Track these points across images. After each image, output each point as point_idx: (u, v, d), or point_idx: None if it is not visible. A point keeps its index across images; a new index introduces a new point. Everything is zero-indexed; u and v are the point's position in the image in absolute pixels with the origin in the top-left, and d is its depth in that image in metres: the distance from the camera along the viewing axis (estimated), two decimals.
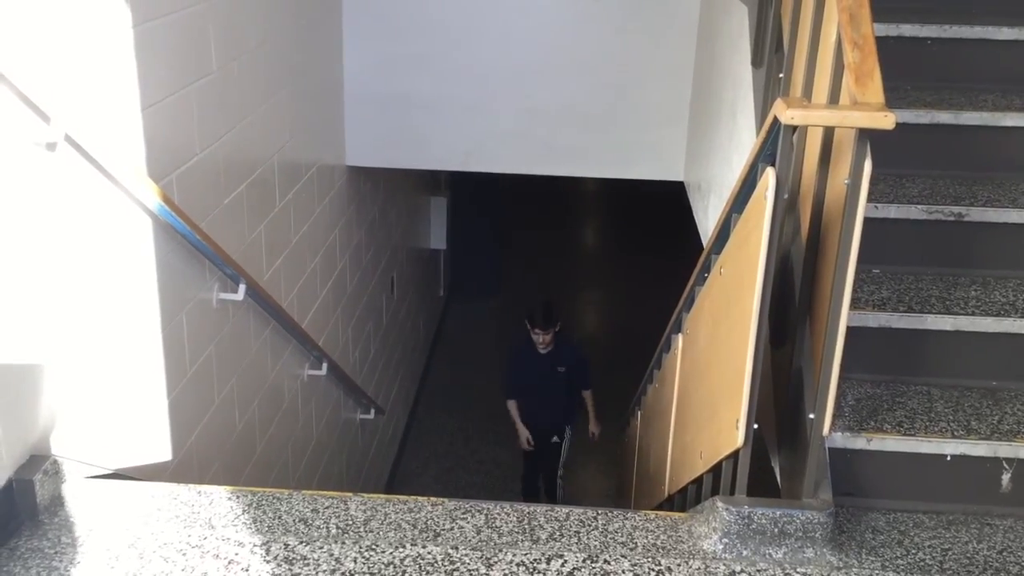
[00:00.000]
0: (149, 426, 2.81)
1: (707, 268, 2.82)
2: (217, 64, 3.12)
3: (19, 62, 2.05)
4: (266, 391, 3.75)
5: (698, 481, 2.70)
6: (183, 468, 2.98)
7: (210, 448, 3.20)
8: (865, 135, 1.97)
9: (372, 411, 5.64)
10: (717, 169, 3.95)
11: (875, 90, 1.99)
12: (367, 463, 5.90)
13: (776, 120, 2.03)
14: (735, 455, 2.22)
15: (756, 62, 3.13)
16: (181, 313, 2.91)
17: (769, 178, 2.00)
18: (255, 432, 3.66)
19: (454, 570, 2.10)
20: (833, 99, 2.22)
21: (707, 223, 4.02)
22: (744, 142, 3.27)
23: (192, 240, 2.84)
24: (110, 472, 2.55)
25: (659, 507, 3.53)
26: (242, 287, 3.21)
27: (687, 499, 2.90)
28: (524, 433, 5.91)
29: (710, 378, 2.60)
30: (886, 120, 1.92)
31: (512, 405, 5.90)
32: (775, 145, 2.08)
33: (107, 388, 2.54)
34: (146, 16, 2.61)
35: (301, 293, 4.24)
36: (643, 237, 10.60)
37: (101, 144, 2.34)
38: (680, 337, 3.26)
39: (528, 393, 5.88)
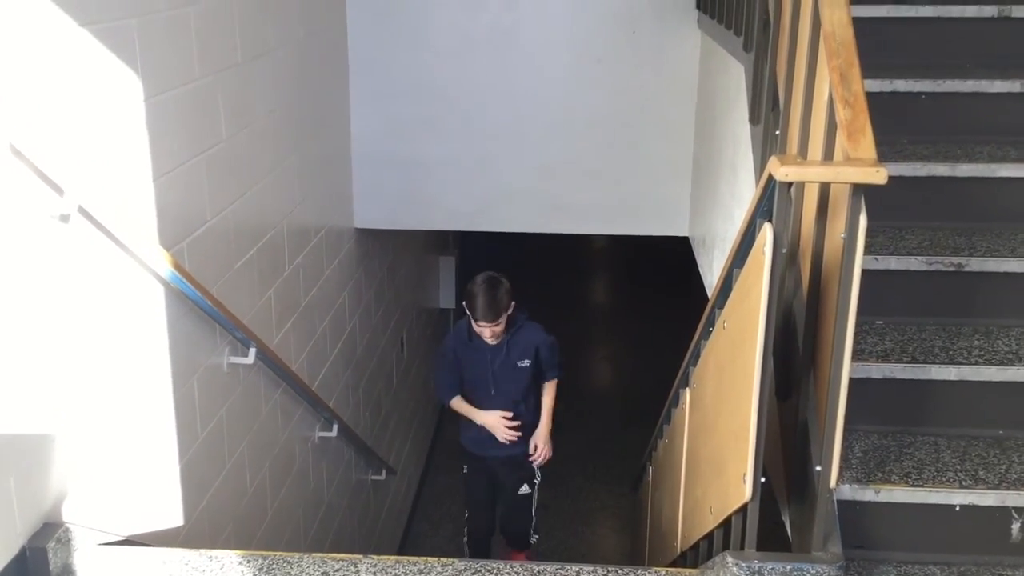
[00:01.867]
0: (161, 492, 2.82)
1: (711, 322, 2.84)
2: (227, 133, 3.20)
3: (34, 137, 2.11)
4: (277, 454, 3.77)
5: (709, 537, 2.69)
6: (195, 533, 2.98)
7: (222, 512, 3.21)
8: (859, 190, 2.01)
9: (383, 472, 5.63)
10: (720, 224, 4.00)
11: (867, 146, 2.03)
12: (379, 525, 5.88)
13: (771, 177, 2.07)
14: (744, 509, 2.23)
15: (754, 119, 3.19)
16: (192, 378, 2.95)
17: (767, 233, 2.04)
18: (266, 495, 3.66)
19: None
20: (827, 155, 2.26)
21: (712, 277, 4.06)
22: (745, 197, 3.32)
23: (203, 306, 2.89)
24: (122, 539, 2.56)
25: (672, 564, 3.51)
26: (252, 351, 3.25)
27: (699, 556, 2.89)
28: (493, 417, 4.16)
29: (717, 432, 2.61)
30: (878, 175, 1.96)
31: (458, 401, 4.26)
32: (771, 201, 2.12)
33: (119, 454, 2.57)
34: (158, 89, 2.68)
35: (311, 355, 4.27)
36: (653, 291, 10.63)
37: (113, 214, 2.40)
38: (688, 391, 3.28)
39: (477, 406, 4.23)
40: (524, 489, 4.41)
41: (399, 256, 6.32)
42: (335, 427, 4.39)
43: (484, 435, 4.22)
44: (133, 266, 2.57)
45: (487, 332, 3.95)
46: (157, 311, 2.73)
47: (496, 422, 4.14)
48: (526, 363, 4.09)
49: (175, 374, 2.82)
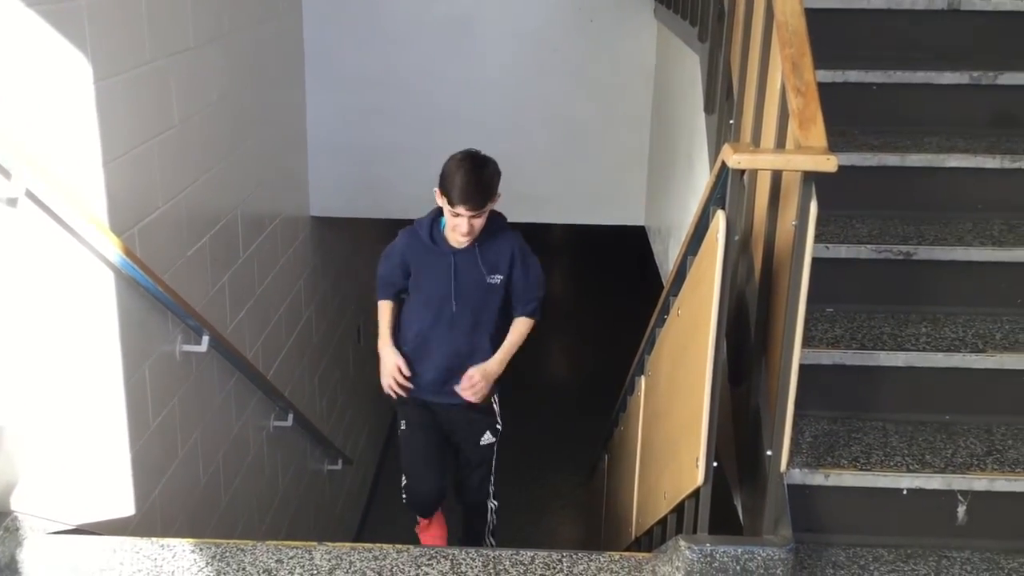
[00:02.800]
0: (112, 481, 2.79)
1: (666, 310, 2.87)
2: (179, 118, 3.15)
3: None
4: (231, 443, 3.74)
5: (663, 522, 2.72)
6: (146, 523, 2.95)
7: (174, 502, 3.18)
8: (810, 178, 2.03)
9: (340, 462, 5.61)
10: (675, 213, 4.03)
11: (818, 134, 2.06)
12: (335, 515, 5.85)
13: (724, 165, 2.09)
14: (696, 493, 2.25)
15: (708, 109, 3.21)
16: (144, 366, 2.91)
17: (719, 221, 2.06)
18: (220, 485, 3.63)
19: None
20: (780, 144, 2.29)
21: (667, 266, 4.08)
22: (700, 186, 3.34)
23: (155, 292, 2.85)
24: (72, 528, 2.53)
25: (627, 550, 3.54)
26: (205, 338, 3.22)
27: (653, 541, 2.92)
28: (392, 360, 3.21)
29: (671, 418, 2.63)
30: (828, 163, 1.99)
31: (386, 307, 3.28)
32: (725, 189, 2.14)
33: (69, 443, 2.53)
34: (107, 72, 2.64)
35: (266, 344, 4.24)
36: (609, 280, 10.69)
37: (62, 199, 2.36)
38: (642, 379, 3.30)
39: (426, 331, 3.20)
40: (487, 438, 3.40)
41: (357, 245, 6.29)
42: (290, 416, 4.36)
43: (430, 373, 3.25)
44: (82, 252, 2.53)
45: (463, 226, 2.97)
46: (107, 298, 2.69)
47: (390, 368, 3.20)
48: (497, 279, 3.13)
49: (126, 362, 2.78)
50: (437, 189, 3.01)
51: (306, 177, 4.98)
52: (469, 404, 3.27)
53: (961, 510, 2.42)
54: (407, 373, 3.21)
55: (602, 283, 10.82)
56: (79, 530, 2.55)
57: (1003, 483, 2.41)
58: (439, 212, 3.11)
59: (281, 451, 4.47)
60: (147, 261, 2.81)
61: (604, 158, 5.04)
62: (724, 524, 2.34)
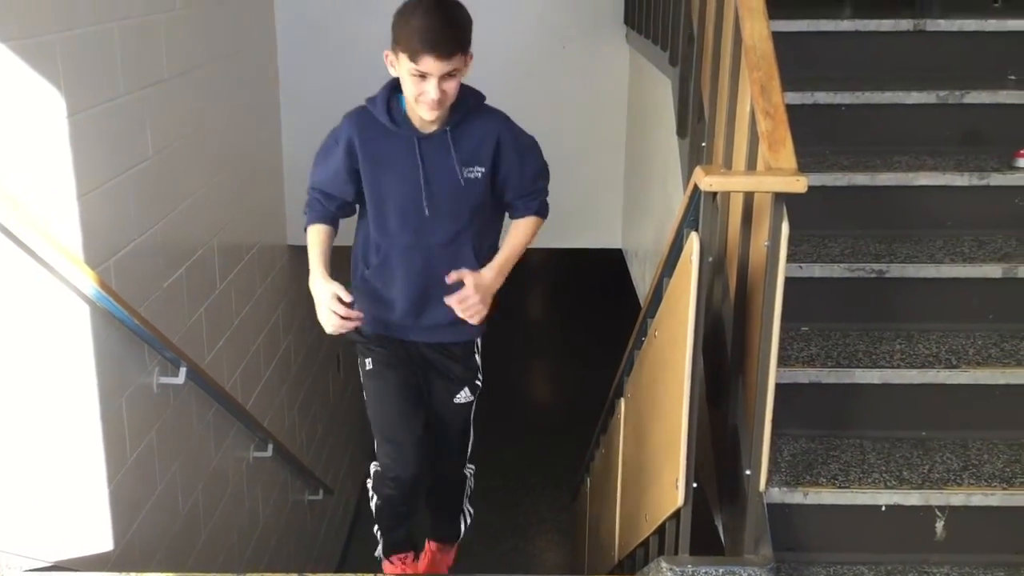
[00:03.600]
0: (90, 516, 2.76)
1: (644, 332, 2.88)
2: (154, 149, 3.15)
3: None
4: (210, 475, 3.71)
5: (645, 543, 2.72)
6: (125, 558, 2.92)
7: (153, 536, 3.15)
8: (781, 198, 2.06)
9: (320, 492, 5.57)
10: (651, 235, 4.06)
11: (787, 156, 2.09)
12: (317, 545, 5.81)
13: (696, 187, 2.11)
14: (677, 515, 2.26)
15: (680, 132, 3.25)
16: (121, 399, 2.89)
17: (693, 243, 2.08)
18: (200, 518, 3.60)
19: None
20: (751, 165, 2.31)
21: (645, 288, 4.10)
22: (675, 209, 3.36)
23: (131, 325, 2.84)
24: (50, 564, 2.50)
25: (610, 573, 3.54)
26: (183, 370, 3.20)
27: (635, 563, 2.92)
28: (326, 289, 2.50)
29: (651, 439, 2.64)
30: (798, 184, 2.01)
31: (319, 233, 2.56)
32: (697, 211, 2.16)
33: (45, 478, 2.51)
34: (81, 106, 2.64)
35: (244, 374, 4.22)
36: (589, 304, 10.72)
37: (36, 233, 2.35)
38: (622, 401, 3.31)
39: (388, 247, 2.54)
40: (463, 395, 2.70)
41: (334, 274, 6.27)
42: (270, 447, 4.34)
43: (399, 303, 2.57)
44: (57, 286, 2.52)
45: (432, 91, 2.24)
46: (83, 331, 2.67)
47: (326, 300, 2.47)
48: (477, 172, 2.41)
49: (103, 395, 2.77)
50: (388, 51, 2.30)
51: (283, 206, 4.97)
52: (448, 344, 2.64)
53: (939, 525, 2.44)
54: (347, 299, 2.44)
55: (581, 306, 10.84)
56: (57, 567, 2.52)
57: (980, 498, 2.43)
58: (395, 85, 2.40)
59: (261, 482, 4.43)
60: (123, 293, 2.80)
61: (580, 182, 5.07)
62: (706, 545, 2.34)
